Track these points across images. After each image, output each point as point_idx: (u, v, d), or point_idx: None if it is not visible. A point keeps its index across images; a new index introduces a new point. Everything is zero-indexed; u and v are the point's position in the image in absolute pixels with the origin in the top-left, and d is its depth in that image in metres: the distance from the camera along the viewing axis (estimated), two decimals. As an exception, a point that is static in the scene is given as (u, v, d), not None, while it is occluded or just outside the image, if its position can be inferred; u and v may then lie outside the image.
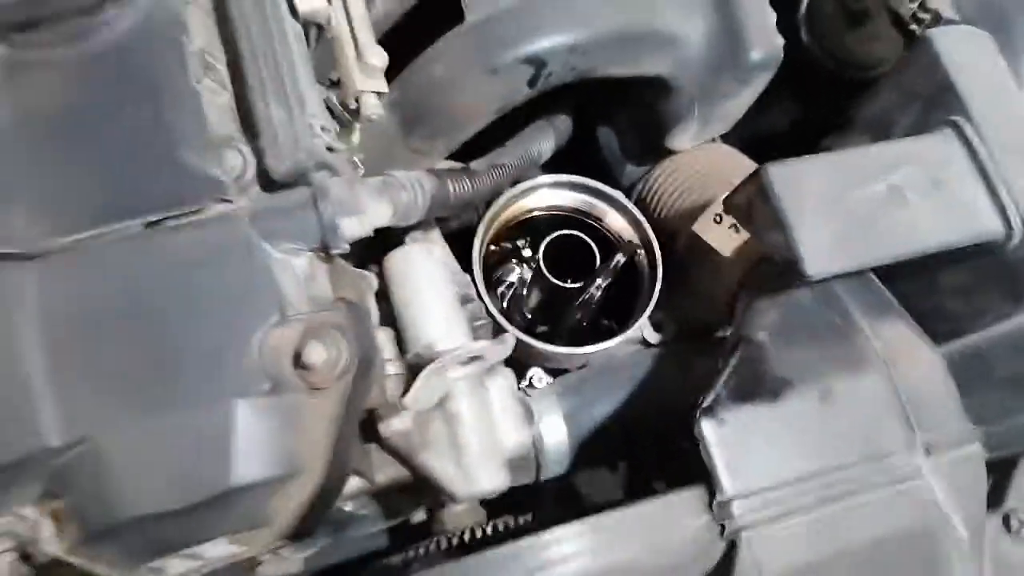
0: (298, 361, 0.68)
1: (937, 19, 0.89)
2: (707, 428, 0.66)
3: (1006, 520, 0.82)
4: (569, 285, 0.92)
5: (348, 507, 0.79)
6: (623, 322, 0.90)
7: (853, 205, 0.73)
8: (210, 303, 0.68)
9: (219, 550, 0.68)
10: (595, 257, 0.94)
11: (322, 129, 0.75)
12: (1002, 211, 0.74)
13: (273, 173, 0.73)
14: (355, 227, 0.72)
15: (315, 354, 0.68)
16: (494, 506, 0.79)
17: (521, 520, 0.75)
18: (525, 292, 0.96)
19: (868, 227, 0.73)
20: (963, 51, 0.81)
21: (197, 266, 0.69)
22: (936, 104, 0.80)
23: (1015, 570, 0.79)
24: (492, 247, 0.95)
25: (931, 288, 0.81)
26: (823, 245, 0.71)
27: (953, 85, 0.78)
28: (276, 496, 0.68)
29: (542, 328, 0.96)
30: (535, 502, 0.79)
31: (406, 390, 0.72)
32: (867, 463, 0.67)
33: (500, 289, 0.95)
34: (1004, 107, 0.79)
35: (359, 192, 0.73)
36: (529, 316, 0.97)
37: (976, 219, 0.74)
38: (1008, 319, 0.77)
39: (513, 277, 0.95)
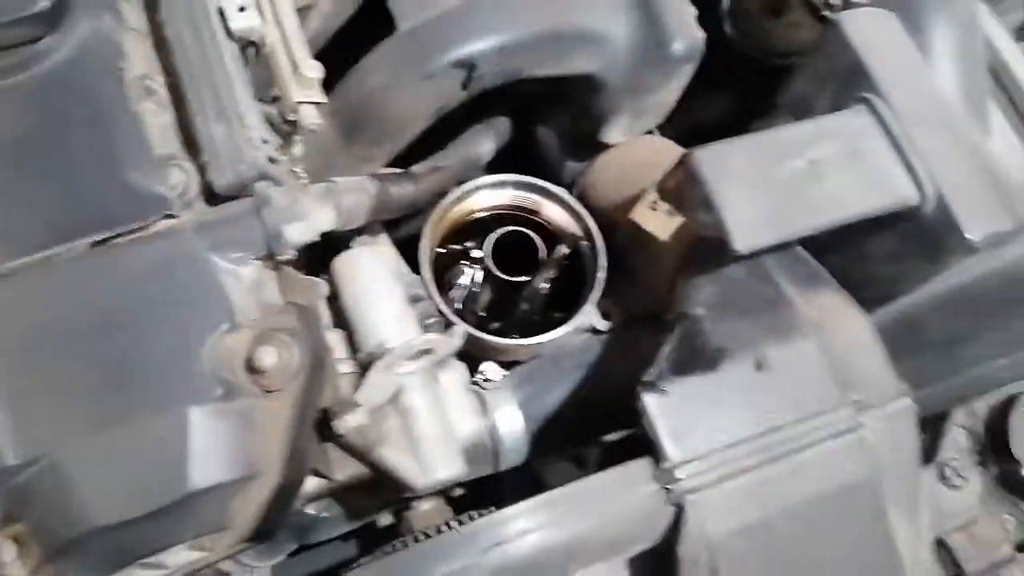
0: (250, 366, 0.70)
1: (847, 4, 0.94)
2: (649, 401, 0.69)
3: (941, 470, 0.86)
4: (516, 279, 0.94)
5: (311, 510, 0.80)
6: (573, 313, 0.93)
7: (776, 181, 0.77)
8: (160, 315, 0.70)
9: (180, 557, 0.69)
10: (541, 251, 0.96)
11: (263, 141, 0.78)
12: (915, 178, 0.78)
13: (216, 187, 0.75)
14: (299, 232, 0.74)
15: (266, 358, 0.70)
16: (461, 507, 0.81)
17: (485, 512, 0.76)
18: (478, 292, 0.98)
19: (792, 201, 0.77)
20: (871, 31, 0.85)
21: (145, 280, 0.70)
22: (849, 83, 0.83)
23: (951, 517, 0.83)
24: (441, 250, 0.97)
25: (860, 258, 0.84)
26: (750, 221, 0.75)
27: (863, 64, 0.82)
28: (236, 498, 0.69)
29: (496, 324, 0.98)
30: (501, 499, 0.81)
31: (359, 388, 0.74)
32: (804, 422, 0.70)
33: (452, 292, 0.97)
34: (912, 81, 0.83)
35: (301, 198, 0.75)
36: (482, 314, 0.99)
37: (892, 187, 0.78)
38: (930, 281, 0.81)
39: (464, 279, 0.97)
